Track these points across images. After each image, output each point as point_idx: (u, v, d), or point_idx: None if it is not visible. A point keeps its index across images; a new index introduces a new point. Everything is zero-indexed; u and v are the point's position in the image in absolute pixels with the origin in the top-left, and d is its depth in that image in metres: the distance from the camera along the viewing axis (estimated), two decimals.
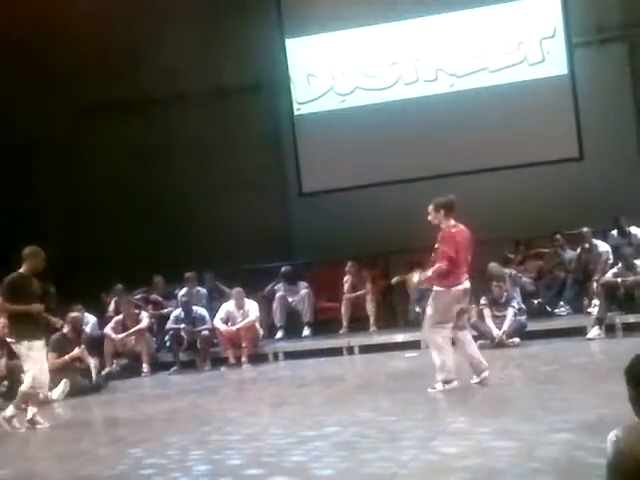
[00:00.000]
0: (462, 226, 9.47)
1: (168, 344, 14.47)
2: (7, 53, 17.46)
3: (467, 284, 9.34)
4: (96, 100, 18.23)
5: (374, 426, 7.78)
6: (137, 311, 14.67)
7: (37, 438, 9.37)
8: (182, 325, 14.27)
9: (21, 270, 9.65)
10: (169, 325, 14.42)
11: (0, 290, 9.67)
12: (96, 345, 14.08)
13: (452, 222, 9.36)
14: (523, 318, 13.27)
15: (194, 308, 14.51)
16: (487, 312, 13.10)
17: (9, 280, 9.61)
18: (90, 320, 14.83)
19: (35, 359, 9.50)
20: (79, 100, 18.16)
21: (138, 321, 14.41)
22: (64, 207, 17.91)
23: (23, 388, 9.65)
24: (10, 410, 9.67)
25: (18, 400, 9.69)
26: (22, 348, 9.58)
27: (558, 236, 15.05)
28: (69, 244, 16.46)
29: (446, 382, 9.14)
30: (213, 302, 15.24)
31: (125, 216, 17.71)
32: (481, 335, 12.63)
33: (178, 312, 14.47)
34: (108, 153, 18.09)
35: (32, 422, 9.61)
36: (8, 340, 9.93)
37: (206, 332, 14.18)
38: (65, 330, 12.62)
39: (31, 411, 9.63)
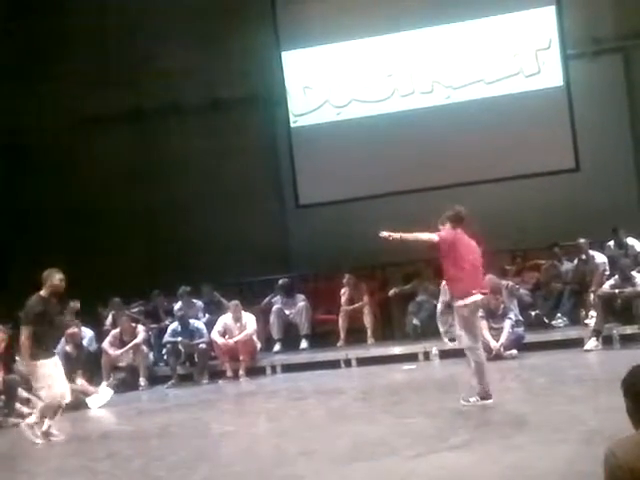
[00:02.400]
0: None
1: (165, 357, 14.44)
2: (5, 65, 17.50)
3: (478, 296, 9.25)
4: (92, 112, 18.21)
5: (372, 439, 7.77)
6: (134, 325, 14.64)
7: (34, 452, 9.33)
8: (179, 338, 14.25)
9: (42, 293, 9.67)
10: (166, 338, 14.39)
11: (23, 316, 9.72)
12: (93, 359, 14.07)
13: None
14: (521, 330, 13.25)
15: (191, 321, 14.48)
16: (484, 324, 13.07)
17: (28, 305, 9.64)
18: (87, 334, 14.80)
19: (45, 377, 9.50)
20: (75, 112, 18.16)
21: (135, 335, 14.36)
22: (61, 220, 17.87)
23: (40, 405, 9.69)
24: (33, 418, 9.69)
25: (38, 412, 9.70)
26: (32, 368, 9.62)
27: (556, 249, 15.04)
28: (66, 257, 16.43)
29: (483, 398, 9.04)
30: (210, 315, 15.21)
31: (122, 228, 17.68)
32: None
33: (175, 325, 14.45)
34: (105, 166, 18.07)
35: (46, 434, 9.55)
36: (17, 359, 9.95)
37: (203, 345, 14.16)
38: (67, 348, 12.65)
39: (47, 423, 9.58)
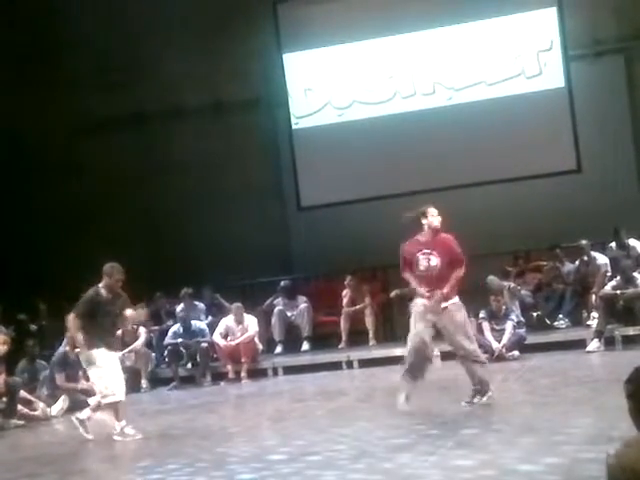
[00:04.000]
0: None
1: (167, 360, 14.43)
2: (6, 69, 17.51)
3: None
4: (94, 116, 18.24)
5: (375, 440, 7.77)
6: (135, 327, 14.63)
7: (35, 455, 9.33)
8: (180, 339, 14.23)
9: (100, 285, 9.66)
10: (167, 340, 14.39)
11: (75, 308, 9.67)
12: None
13: None
14: (522, 331, 13.25)
15: (193, 322, 14.48)
16: (486, 325, 13.08)
17: (84, 298, 9.63)
18: None
19: (98, 367, 9.41)
20: (77, 116, 18.18)
21: (136, 337, 14.37)
22: (62, 223, 17.86)
23: (96, 398, 9.61)
24: (87, 412, 9.61)
25: (92, 407, 9.63)
26: (83, 357, 9.56)
27: (558, 250, 15.04)
28: (67, 260, 16.45)
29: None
30: (212, 317, 15.22)
31: (124, 231, 17.67)
32: (480, 349, 12.60)
33: (177, 327, 14.44)
34: (107, 169, 18.07)
35: (122, 434, 9.43)
36: (75, 350, 9.87)
37: (205, 344, 14.15)
38: (67, 349, 12.59)
39: (118, 425, 9.47)
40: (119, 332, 14.33)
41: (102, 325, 9.52)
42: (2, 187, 17.80)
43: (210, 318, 15.18)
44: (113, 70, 17.95)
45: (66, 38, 17.85)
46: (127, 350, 14.16)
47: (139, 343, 14.27)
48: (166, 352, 14.38)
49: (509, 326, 13.02)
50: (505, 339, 12.87)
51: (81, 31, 17.67)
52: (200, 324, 14.57)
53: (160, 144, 18.33)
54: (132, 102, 18.16)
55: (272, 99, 18.27)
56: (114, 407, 9.49)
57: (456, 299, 9.06)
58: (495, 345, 12.76)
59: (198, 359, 14.23)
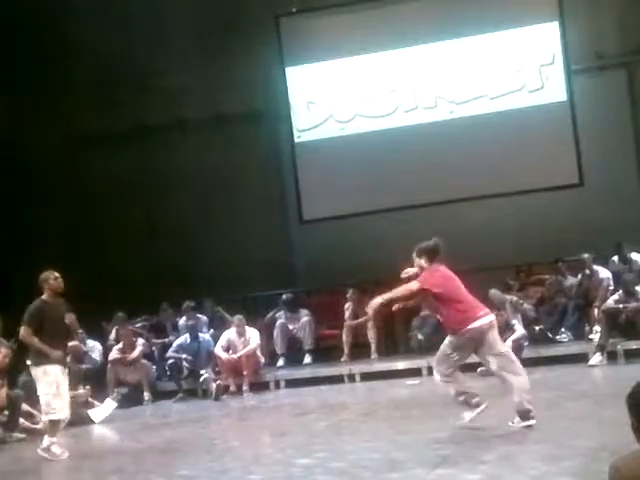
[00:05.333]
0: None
1: (169, 373, 14.40)
2: (7, 83, 17.54)
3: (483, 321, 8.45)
4: (96, 129, 18.29)
5: (376, 455, 7.75)
6: (135, 339, 14.64)
7: (38, 469, 9.32)
8: (183, 355, 14.18)
9: (43, 296, 9.63)
10: (169, 353, 14.36)
11: (24, 318, 9.63)
12: (99, 374, 14.08)
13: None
14: (523, 342, 13.25)
15: (200, 335, 14.46)
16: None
17: (30, 308, 9.60)
18: (96, 348, 14.83)
19: (49, 383, 9.42)
20: (79, 129, 18.22)
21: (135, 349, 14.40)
22: (64, 236, 17.88)
23: (43, 417, 9.60)
24: (45, 440, 9.54)
25: (47, 429, 9.61)
26: (38, 372, 9.52)
27: (560, 264, 15.04)
28: (69, 273, 16.43)
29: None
30: (214, 330, 15.21)
31: (126, 244, 17.71)
32: None
33: (182, 340, 14.41)
34: (108, 182, 18.11)
35: (46, 451, 9.47)
36: (27, 363, 9.87)
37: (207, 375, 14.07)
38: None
39: (47, 440, 9.51)
40: (120, 345, 14.44)
41: (51, 335, 9.49)
42: (4, 201, 17.79)
43: (212, 331, 15.17)
44: (115, 83, 17.98)
45: (67, 51, 17.91)
46: (131, 357, 14.17)
47: (135, 355, 14.26)
48: (167, 366, 14.35)
49: (517, 330, 12.97)
50: (512, 337, 12.81)
51: (83, 45, 17.75)
52: (207, 336, 14.57)
53: (162, 157, 18.36)
54: (134, 116, 18.19)
55: (274, 112, 18.31)
56: (56, 425, 9.50)
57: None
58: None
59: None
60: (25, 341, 9.61)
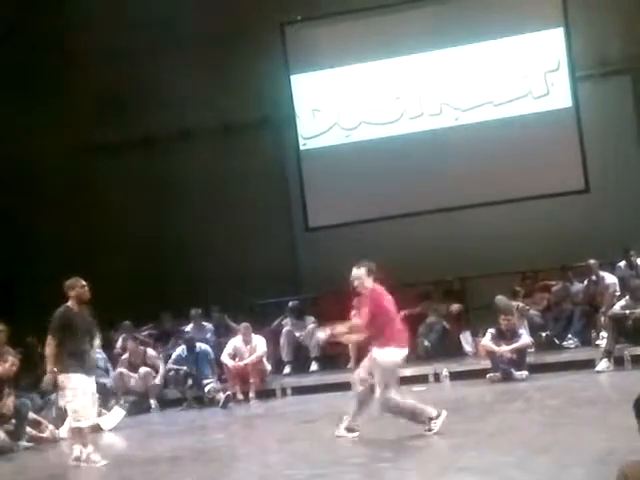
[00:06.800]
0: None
1: (171, 383, 14.38)
2: (11, 93, 17.58)
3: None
4: (101, 137, 18.30)
5: (384, 463, 7.74)
6: (142, 348, 14.63)
7: (45, 478, 9.31)
8: (184, 367, 14.14)
9: (68, 304, 9.63)
10: (169, 365, 14.32)
11: (49, 327, 9.59)
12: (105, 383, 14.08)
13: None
14: (528, 350, 13.28)
15: (197, 344, 14.41)
16: (491, 345, 12.98)
17: (55, 317, 9.56)
18: (101, 356, 14.83)
19: (72, 391, 9.42)
20: (84, 138, 18.24)
21: (144, 359, 14.37)
22: (69, 245, 17.88)
23: (69, 424, 9.59)
24: (75, 450, 9.53)
25: (74, 437, 9.60)
26: (63, 380, 9.51)
27: (570, 273, 15.02)
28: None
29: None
30: (220, 337, 15.21)
31: (132, 253, 17.71)
32: (494, 368, 12.64)
33: (180, 350, 14.36)
34: (115, 192, 18.12)
35: (77, 460, 9.46)
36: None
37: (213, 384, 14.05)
38: None
39: (76, 449, 9.49)
40: (126, 355, 14.43)
41: (77, 343, 9.50)
42: (7, 210, 17.81)
43: (214, 338, 15.15)
44: (121, 92, 18.00)
45: (72, 62, 17.93)
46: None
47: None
48: (168, 377, 14.34)
49: (523, 337, 13.00)
50: (517, 343, 12.81)
51: (88, 54, 17.77)
52: (204, 346, 14.49)
53: (167, 166, 18.36)
54: (139, 125, 18.20)
55: (280, 120, 18.32)
56: (81, 432, 9.48)
57: None
58: (497, 348, 12.76)
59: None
60: (46, 351, 9.57)
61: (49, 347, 9.50)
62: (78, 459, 9.43)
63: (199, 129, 18.42)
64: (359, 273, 9.28)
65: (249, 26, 17.75)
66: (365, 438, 9.30)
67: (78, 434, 9.49)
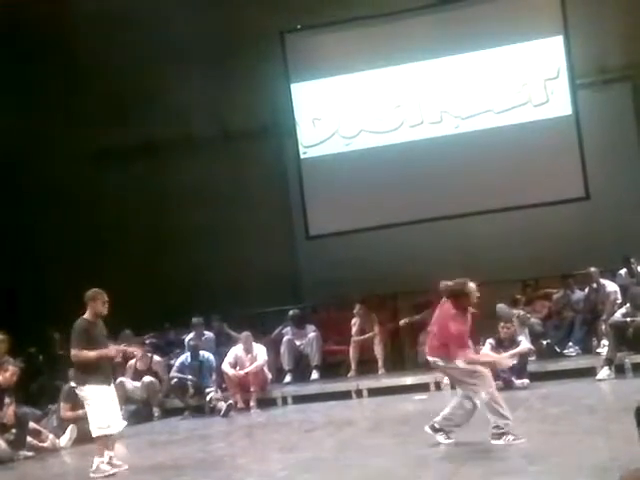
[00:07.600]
0: None
1: (173, 392, 14.37)
2: (14, 99, 17.60)
3: None
4: (102, 146, 18.34)
5: (385, 472, 7.73)
6: (149, 355, 14.64)
7: None
8: (189, 376, 14.14)
9: (85, 316, 9.62)
10: (173, 373, 14.33)
11: (71, 341, 9.58)
12: None
13: None
14: (528, 357, 13.26)
15: (201, 353, 14.43)
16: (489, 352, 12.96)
17: (75, 330, 9.55)
18: None
19: (93, 402, 9.42)
20: (86, 146, 18.26)
21: (150, 365, 14.38)
22: (71, 253, 17.91)
23: (94, 433, 9.56)
24: (95, 461, 9.48)
25: (98, 446, 9.58)
26: (82, 393, 9.58)
27: (570, 281, 15.02)
28: (76, 290, 16.44)
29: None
30: (221, 346, 15.20)
31: (132, 261, 17.71)
32: (495, 376, 12.60)
33: (184, 358, 14.38)
34: (115, 198, 18.15)
35: (112, 465, 9.43)
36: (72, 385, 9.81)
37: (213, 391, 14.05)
38: (72, 384, 12.54)
39: (107, 455, 9.47)
40: (132, 362, 14.43)
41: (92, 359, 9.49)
42: (12, 221, 17.83)
43: (218, 348, 15.14)
44: (122, 100, 18.01)
45: (76, 70, 17.95)
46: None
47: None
48: (171, 386, 14.33)
49: (522, 343, 12.98)
50: (518, 349, 12.79)
51: (92, 63, 17.78)
52: (207, 354, 14.50)
53: (168, 174, 18.38)
54: (141, 132, 18.24)
55: (280, 129, 18.35)
56: (106, 440, 9.47)
57: None
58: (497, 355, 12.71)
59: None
60: (79, 360, 9.52)
61: (81, 354, 9.43)
62: (111, 464, 9.39)
63: (199, 137, 18.46)
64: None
65: (250, 35, 17.77)
66: (369, 446, 9.29)
67: (102, 442, 9.47)
